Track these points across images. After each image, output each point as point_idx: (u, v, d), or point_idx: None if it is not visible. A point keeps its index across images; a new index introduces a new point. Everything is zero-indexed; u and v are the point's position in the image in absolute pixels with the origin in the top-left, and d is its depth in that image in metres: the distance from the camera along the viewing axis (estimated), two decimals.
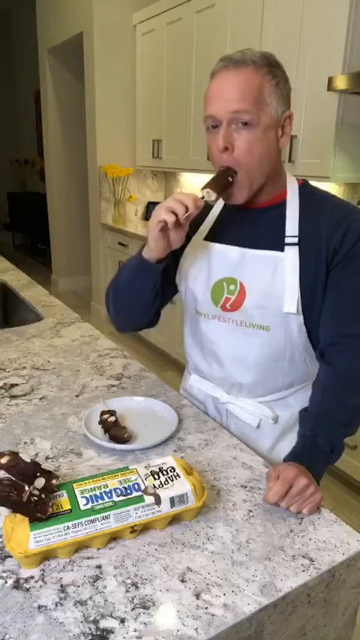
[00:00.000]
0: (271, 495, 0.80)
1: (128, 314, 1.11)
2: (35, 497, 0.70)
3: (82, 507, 0.72)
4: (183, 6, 3.27)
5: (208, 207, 1.10)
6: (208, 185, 0.92)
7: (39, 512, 0.70)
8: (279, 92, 0.91)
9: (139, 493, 0.75)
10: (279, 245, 0.98)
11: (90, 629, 0.60)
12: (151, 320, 1.11)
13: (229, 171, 0.93)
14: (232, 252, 1.03)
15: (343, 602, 0.76)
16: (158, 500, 0.74)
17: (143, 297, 1.05)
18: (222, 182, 0.93)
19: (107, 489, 0.75)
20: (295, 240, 0.97)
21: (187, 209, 0.90)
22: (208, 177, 0.94)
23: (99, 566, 0.70)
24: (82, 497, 0.74)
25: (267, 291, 0.98)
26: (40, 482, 0.73)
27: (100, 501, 0.73)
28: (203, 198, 0.92)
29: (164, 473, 0.79)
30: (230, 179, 0.93)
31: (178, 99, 3.47)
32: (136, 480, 0.77)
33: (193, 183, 3.97)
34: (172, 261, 1.06)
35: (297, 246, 0.96)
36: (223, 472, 0.91)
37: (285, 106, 0.94)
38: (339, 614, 0.77)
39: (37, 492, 0.71)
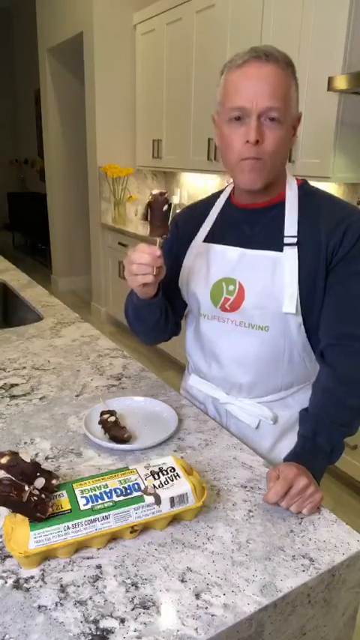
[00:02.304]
0: (271, 495, 0.80)
1: (148, 337, 1.17)
2: (35, 497, 0.70)
3: (82, 507, 0.72)
4: (183, 6, 3.27)
5: (207, 209, 1.10)
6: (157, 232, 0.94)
7: (39, 512, 0.70)
8: (297, 93, 0.93)
9: (139, 493, 0.75)
10: (278, 245, 0.98)
11: (90, 629, 0.60)
12: (173, 332, 1.17)
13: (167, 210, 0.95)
14: (231, 252, 1.03)
15: (343, 602, 0.76)
16: (158, 500, 0.74)
17: (156, 325, 1.10)
18: (164, 221, 0.95)
19: (107, 489, 0.75)
20: (294, 240, 0.97)
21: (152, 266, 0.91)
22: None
23: (99, 566, 0.70)
24: (82, 497, 0.74)
25: (266, 292, 0.98)
26: (40, 482, 0.73)
27: (100, 501, 0.73)
28: (160, 243, 0.95)
29: (164, 473, 0.79)
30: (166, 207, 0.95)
31: (178, 99, 3.47)
32: (136, 480, 0.77)
33: (193, 184, 3.97)
34: (176, 275, 1.11)
35: (296, 247, 0.96)
36: (223, 472, 0.91)
37: (298, 107, 0.95)
38: (339, 614, 0.77)
39: (37, 492, 0.71)
